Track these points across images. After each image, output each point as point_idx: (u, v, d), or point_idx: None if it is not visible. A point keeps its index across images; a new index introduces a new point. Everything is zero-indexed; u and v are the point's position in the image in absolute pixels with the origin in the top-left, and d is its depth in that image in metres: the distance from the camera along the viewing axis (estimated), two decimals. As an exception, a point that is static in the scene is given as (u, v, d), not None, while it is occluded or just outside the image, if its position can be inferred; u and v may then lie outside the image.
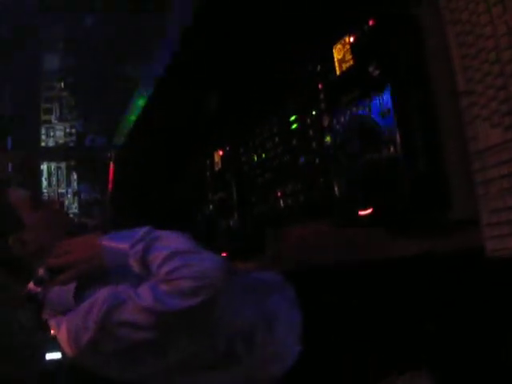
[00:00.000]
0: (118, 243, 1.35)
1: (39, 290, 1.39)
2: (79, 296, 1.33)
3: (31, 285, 1.40)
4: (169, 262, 1.26)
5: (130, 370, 1.33)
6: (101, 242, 1.36)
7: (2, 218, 1.41)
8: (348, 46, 1.35)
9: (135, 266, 1.32)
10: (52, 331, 1.40)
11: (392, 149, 1.23)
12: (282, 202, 1.78)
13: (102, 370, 1.36)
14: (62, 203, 1.65)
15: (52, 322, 1.38)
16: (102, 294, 1.27)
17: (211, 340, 1.34)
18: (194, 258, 1.27)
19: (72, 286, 1.35)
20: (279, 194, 1.79)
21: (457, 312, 1.37)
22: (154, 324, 1.23)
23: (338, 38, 1.39)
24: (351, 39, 1.35)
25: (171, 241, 1.34)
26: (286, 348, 1.41)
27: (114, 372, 1.35)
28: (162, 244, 1.32)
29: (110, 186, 2.71)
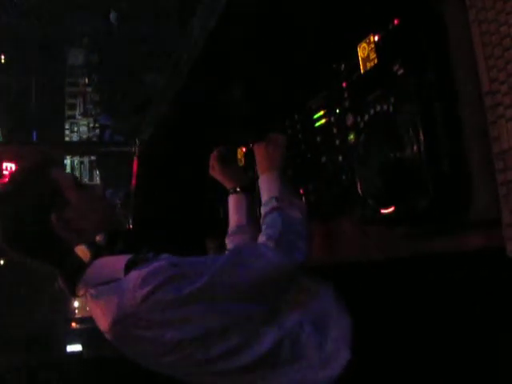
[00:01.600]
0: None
1: (89, 255, 1.37)
2: (130, 267, 1.27)
3: (84, 249, 1.38)
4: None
5: (166, 356, 1.29)
6: None
7: (45, 194, 1.40)
8: (373, 45, 1.36)
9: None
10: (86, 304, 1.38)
11: (415, 148, 1.24)
12: (304, 199, 1.79)
13: (138, 352, 1.34)
14: (105, 188, 1.66)
15: (91, 293, 1.33)
16: (161, 264, 1.26)
17: (259, 333, 1.30)
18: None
19: (123, 259, 1.31)
20: (302, 191, 1.80)
21: (477, 312, 1.37)
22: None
23: (362, 36, 1.39)
24: (376, 38, 1.35)
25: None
26: (335, 355, 1.32)
27: (151, 357, 1.33)
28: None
29: (134, 180, 2.73)
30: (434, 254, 1.37)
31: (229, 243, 1.81)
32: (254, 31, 1.52)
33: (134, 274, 1.24)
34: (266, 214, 1.48)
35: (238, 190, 1.84)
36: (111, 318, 1.25)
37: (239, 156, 2.19)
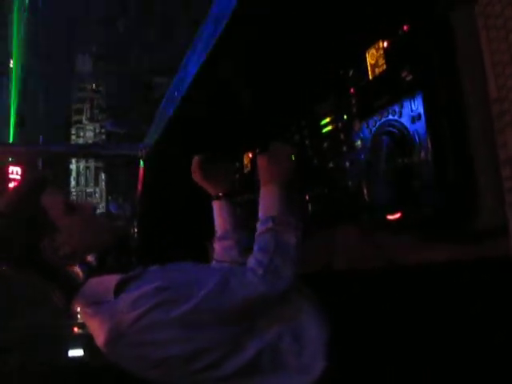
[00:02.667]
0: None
1: (81, 275, 1.41)
2: (120, 289, 1.33)
3: (76, 268, 1.42)
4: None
5: (156, 369, 1.35)
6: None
7: (34, 221, 1.42)
8: (381, 51, 1.36)
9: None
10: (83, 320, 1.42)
11: (422, 154, 1.24)
12: (310, 205, 1.78)
13: (131, 365, 1.38)
14: (95, 207, 1.66)
15: (85, 311, 1.39)
16: (150, 288, 1.30)
17: (241, 346, 1.35)
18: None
19: (113, 280, 1.36)
20: (307, 197, 1.80)
21: (485, 320, 1.36)
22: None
23: (371, 42, 1.39)
24: (385, 44, 1.35)
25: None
26: (312, 362, 1.37)
27: (143, 369, 1.37)
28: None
29: (140, 185, 2.74)
30: (439, 262, 1.37)
31: (217, 248, 1.83)
32: (263, 36, 1.52)
33: (125, 298, 1.31)
34: (261, 233, 1.48)
35: (220, 195, 1.84)
36: (105, 337, 1.32)
37: (245, 162, 2.19)
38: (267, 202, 1.54)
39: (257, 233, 1.50)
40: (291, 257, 1.42)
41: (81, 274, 1.42)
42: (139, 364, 1.36)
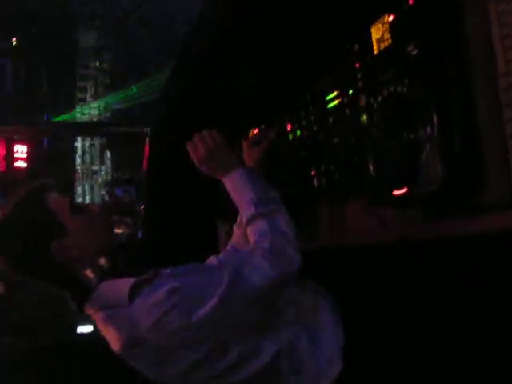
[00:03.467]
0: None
1: (94, 278, 1.39)
2: (134, 294, 1.31)
3: (88, 272, 1.40)
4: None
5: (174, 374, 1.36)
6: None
7: (42, 223, 1.39)
8: (387, 25, 1.35)
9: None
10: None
11: (429, 130, 1.23)
12: (316, 180, 1.78)
13: (149, 370, 1.39)
14: (102, 207, 1.61)
15: (98, 316, 1.37)
16: (164, 290, 1.29)
17: (258, 346, 1.35)
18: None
19: (126, 284, 1.34)
20: (313, 172, 1.80)
21: (492, 294, 1.37)
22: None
23: (376, 16, 1.38)
24: (390, 18, 1.34)
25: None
26: (329, 364, 1.38)
27: (161, 375, 1.38)
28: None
29: (146, 163, 2.73)
30: (445, 237, 1.37)
31: (236, 232, 1.77)
32: (268, 10, 1.51)
33: (140, 303, 1.30)
34: (249, 222, 1.45)
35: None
36: (122, 343, 1.32)
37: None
38: (240, 188, 1.51)
39: (244, 222, 1.47)
40: (289, 234, 1.40)
41: (93, 277, 1.40)
42: (157, 369, 1.36)
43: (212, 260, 1.68)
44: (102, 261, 1.42)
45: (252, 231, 1.44)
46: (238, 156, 1.62)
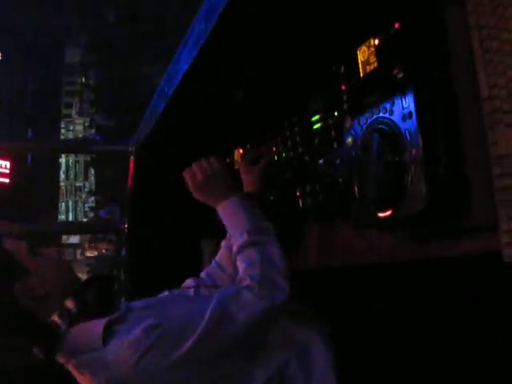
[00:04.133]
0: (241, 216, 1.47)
1: (62, 324, 1.31)
2: (108, 335, 1.26)
3: (55, 317, 1.31)
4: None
5: None
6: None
7: (3, 265, 1.33)
8: (373, 49, 1.36)
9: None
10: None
11: (413, 152, 1.24)
12: (300, 201, 1.78)
13: None
14: (59, 250, 1.55)
15: (71, 364, 1.30)
16: (142, 328, 1.23)
17: (247, 375, 1.32)
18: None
19: (98, 325, 1.28)
20: (298, 193, 1.80)
21: (472, 316, 1.37)
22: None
23: (362, 40, 1.39)
24: (376, 41, 1.35)
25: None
26: None
27: None
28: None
29: (130, 181, 2.72)
30: (430, 259, 1.38)
31: (223, 245, 1.74)
32: (254, 32, 1.52)
33: (115, 345, 1.24)
34: (241, 249, 1.43)
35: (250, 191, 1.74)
36: None
37: (236, 157, 2.19)
38: (233, 217, 1.49)
39: (235, 250, 1.45)
40: (280, 266, 1.38)
41: (60, 322, 1.31)
42: None
43: (189, 283, 1.63)
44: (69, 304, 1.34)
45: (242, 260, 1.42)
46: (235, 183, 1.61)
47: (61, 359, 1.32)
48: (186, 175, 1.56)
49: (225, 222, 1.51)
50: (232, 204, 1.49)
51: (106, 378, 1.24)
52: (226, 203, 1.50)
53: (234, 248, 1.45)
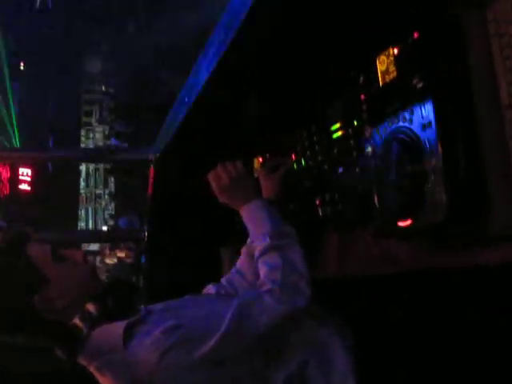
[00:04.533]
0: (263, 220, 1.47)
1: (84, 327, 1.32)
2: (128, 336, 1.26)
3: (77, 320, 1.32)
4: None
5: None
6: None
7: (24, 275, 1.34)
8: (392, 58, 1.36)
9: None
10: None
11: (433, 162, 1.24)
12: (320, 210, 1.78)
13: None
14: (85, 253, 1.52)
15: (93, 366, 1.30)
16: (163, 328, 1.24)
17: (268, 377, 1.31)
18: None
19: (119, 327, 1.29)
20: (318, 202, 1.80)
21: (494, 326, 1.36)
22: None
23: (381, 49, 1.39)
24: (395, 51, 1.35)
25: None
26: None
27: None
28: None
29: (150, 190, 2.74)
30: (449, 268, 1.37)
31: (243, 252, 1.73)
32: (274, 41, 1.52)
33: (136, 346, 1.25)
34: (263, 253, 1.43)
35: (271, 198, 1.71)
36: None
37: (255, 165, 2.20)
38: (257, 220, 1.50)
39: (257, 254, 1.45)
40: (302, 271, 1.38)
41: (82, 326, 1.32)
42: None
43: (210, 289, 1.64)
44: (90, 307, 1.35)
45: (264, 264, 1.42)
46: (258, 187, 1.62)
47: (83, 361, 1.32)
48: (211, 178, 1.56)
49: (248, 224, 1.51)
50: (255, 207, 1.50)
51: (127, 379, 1.25)
52: (250, 206, 1.50)
53: (256, 252, 1.46)
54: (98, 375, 1.31)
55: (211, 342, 1.23)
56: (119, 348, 1.26)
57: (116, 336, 1.28)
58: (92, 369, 1.31)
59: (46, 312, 1.32)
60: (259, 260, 1.44)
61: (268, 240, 1.43)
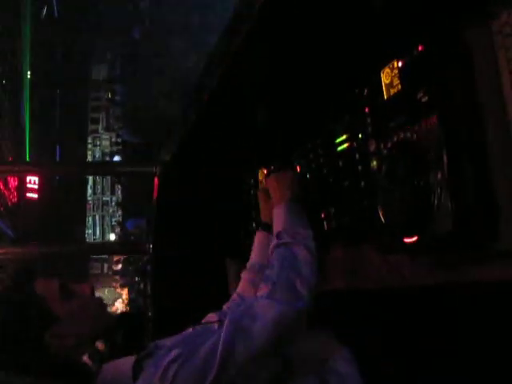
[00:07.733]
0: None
1: (93, 365, 1.31)
2: (137, 371, 1.25)
3: (86, 358, 1.32)
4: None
5: None
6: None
7: (32, 313, 1.30)
8: (396, 71, 1.35)
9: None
10: None
11: (439, 175, 1.22)
12: (325, 223, 1.76)
13: None
14: (93, 287, 1.51)
15: None
16: (169, 359, 1.22)
17: None
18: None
19: (128, 363, 1.28)
20: (323, 215, 1.78)
21: (502, 344, 1.34)
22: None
23: (386, 62, 1.38)
24: (399, 64, 1.34)
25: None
26: None
27: None
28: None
29: (155, 202, 2.74)
30: (456, 284, 1.35)
31: (243, 278, 1.76)
32: (279, 53, 1.51)
33: (146, 378, 1.22)
34: (271, 251, 1.46)
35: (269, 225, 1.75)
36: None
37: (260, 177, 2.18)
38: (276, 221, 1.56)
39: (269, 253, 1.47)
40: (301, 269, 1.35)
41: (91, 364, 1.31)
42: None
43: (211, 317, 1.61)
44: (100, 345, 1.35)
45: (271, 260, 1.44)
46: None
47: None
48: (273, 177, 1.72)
49: (274, 222, 1.59)
50: (281, 209, 1.59)
51: None
52: (281, 206, 1.60)
53: (269, 250, 1.49)
54: None
55: (213, 371, 1.19)
56: (129, 383, 1.24)
57: (125, 372, 1.27)
58: None
59: (56, 349, 1.30)
60: (270, 259, 1.46)
61: (277, 238, 1.48)
